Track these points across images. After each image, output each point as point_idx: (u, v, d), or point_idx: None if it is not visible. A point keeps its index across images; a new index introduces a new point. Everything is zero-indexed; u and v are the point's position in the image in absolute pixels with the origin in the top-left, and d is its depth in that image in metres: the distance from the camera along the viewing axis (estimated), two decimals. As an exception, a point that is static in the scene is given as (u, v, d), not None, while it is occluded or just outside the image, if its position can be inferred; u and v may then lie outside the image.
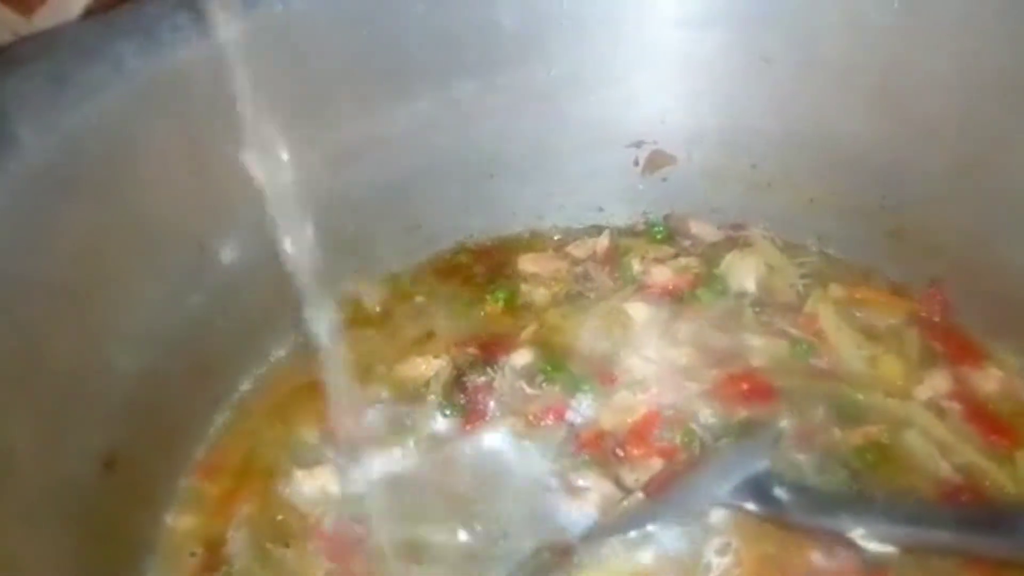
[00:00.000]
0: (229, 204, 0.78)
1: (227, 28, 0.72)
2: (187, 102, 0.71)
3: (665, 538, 0.71)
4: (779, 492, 0.67)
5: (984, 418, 0.79)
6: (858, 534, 0.63)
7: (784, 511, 0.67)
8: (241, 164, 0.77)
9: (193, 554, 0.74)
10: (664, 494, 0.71)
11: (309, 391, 0.84)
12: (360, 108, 0.83)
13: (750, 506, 0.68)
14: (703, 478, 0.71)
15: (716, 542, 0.70)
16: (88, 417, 0.67)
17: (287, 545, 0.73)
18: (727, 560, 0.70)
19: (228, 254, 0.79)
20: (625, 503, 0.72)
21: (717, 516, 0.71)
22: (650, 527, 0.69)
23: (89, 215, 0.66)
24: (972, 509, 0.69)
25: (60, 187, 0.64)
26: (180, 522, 0.76)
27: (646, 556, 0.70)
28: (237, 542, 0.74)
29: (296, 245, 0.86)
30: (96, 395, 0.68)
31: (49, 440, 0.64)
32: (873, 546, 0.63)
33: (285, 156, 0.80)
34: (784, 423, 0.78)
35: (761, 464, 0.69)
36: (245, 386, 0.85)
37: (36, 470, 0.62)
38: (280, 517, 0.75)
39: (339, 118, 0.82)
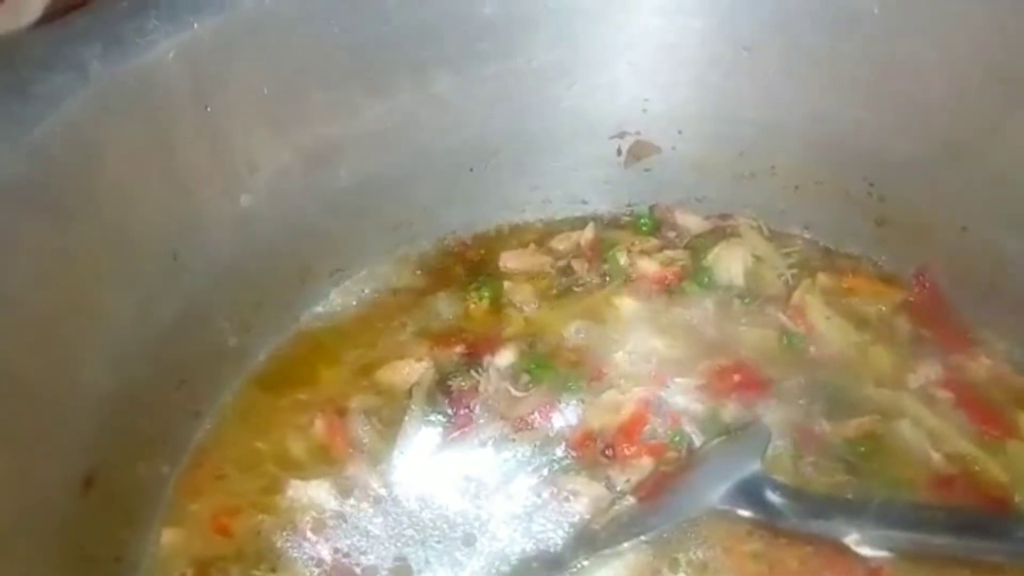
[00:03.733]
0: (202, 209, 0.76)
1: (195, 29, 0.70)
2: (155, 107, 0.69)
3: (654, 542, 0.70)
4: (772, 496, 0.66)
5: (975, 406, 0.79)
6: (852, 539, 0.63)
7: (777, 516, 0.66)
8: (214, 167, 0.76)
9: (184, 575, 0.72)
10: (655, 501, 0.70)
11: (291, 400, 0.83)
12: (335, 105, 0.81)
13: (743, 512, 0.67)
14: (694, 483, 0.70)
15: (706, 542, 0.70)
16: (64, 437, 0.65)
17: (274, 570, 0.72)
18: (718, 558, 0.69)
19: (202, 260, 0.77)
20: (616, 508, 0.71)
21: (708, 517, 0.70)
22: (641, 537, 0.68)
23: (57, 229, 0.63)
24: (968, 513, 0.68)
25: (26, 202, 0.61)
26: (167, 541, 0.74)
27: (635, 557, 0.69)
28: (225, 564, 0.72)
29: (273, 247, 0.84)
30: (71, 414, 0.66)
31: (25, 464, 0.61)
32: (867, 551, 0.63)
33: (260, 157, 0.79)
34: (772, 423, 0.77)
35: (752, 467, 0.68)
36: (226, 397, 0.83)
37: (12, 495, 0.60)
38: (268, 536, 0.73)
39: (314, 116, 0.80)
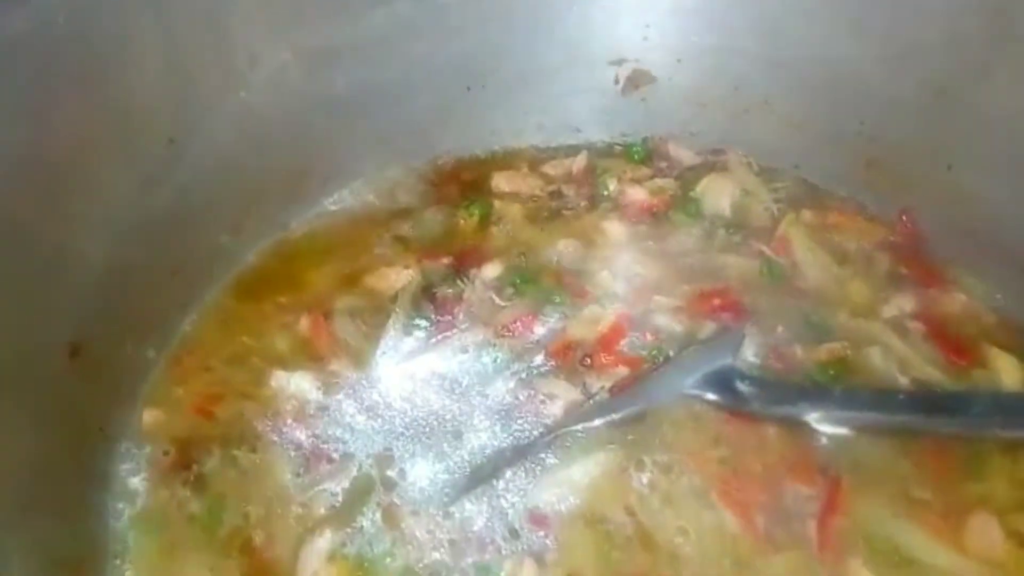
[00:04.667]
0: (201, 98, 0.77)
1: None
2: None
3: (623, 441, 0.72)
4: (740, 385, 0.68)
5: (946, 338, 0.81)
6: (814, 418, 0.65)
7: (745, 402, 0.68)
8: (214, 56, 0.77)
9: (166, 452, 0.74)
10: (630, 388, 0.72)
11: (279, 299, 0.84)
12: (336, 6, 0.82)
13: (711, 396, 0.69)
14: (667, 373, 0.72)
15: (671, 447, 0.72)
16: (57, 301, 0.67)
17: (254, 450, 0.74)
18: (684, 460, 0.71)
19: (199, 151, 0.78)
20: (590, 403, 0.73)
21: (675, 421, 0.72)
22: (613, 416, 0.70)
23: (62, 97, 0.65)
24: (926, 394, 0.70)
25: (33, 68, 0.62)
26: (149, 420, 0.76)
27: (604, 457, 0.71)
28: (207, 444, 0.74)
29: (268, 148, 0.86)
30: (65, 279, 0.68)
31: (18, 319, 0.63)
32: (827, 429, 0.65)
33: (260, 52, 0.80)
34: (747, 345, 0.78)
35: (724, 361, 0.70)
36: (215, 292, 0.84)
37: (5, 349, 0.62)
38: (250, 421, 0.75)
39: (314, 15, 0.81)
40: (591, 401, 0.73)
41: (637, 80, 0.97)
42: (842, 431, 0.66)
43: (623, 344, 0.80)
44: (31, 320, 0.64)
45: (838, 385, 0.74)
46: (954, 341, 0.80)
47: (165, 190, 0.76)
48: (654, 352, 0.80)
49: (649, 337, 0.81)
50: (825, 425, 0.65)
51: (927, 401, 0.67)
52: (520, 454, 0.70)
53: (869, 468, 0.70)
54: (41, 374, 0.65)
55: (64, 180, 0.65)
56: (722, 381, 0.69)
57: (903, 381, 0.77)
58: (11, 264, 0.61)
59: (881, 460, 0.70)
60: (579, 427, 0.70)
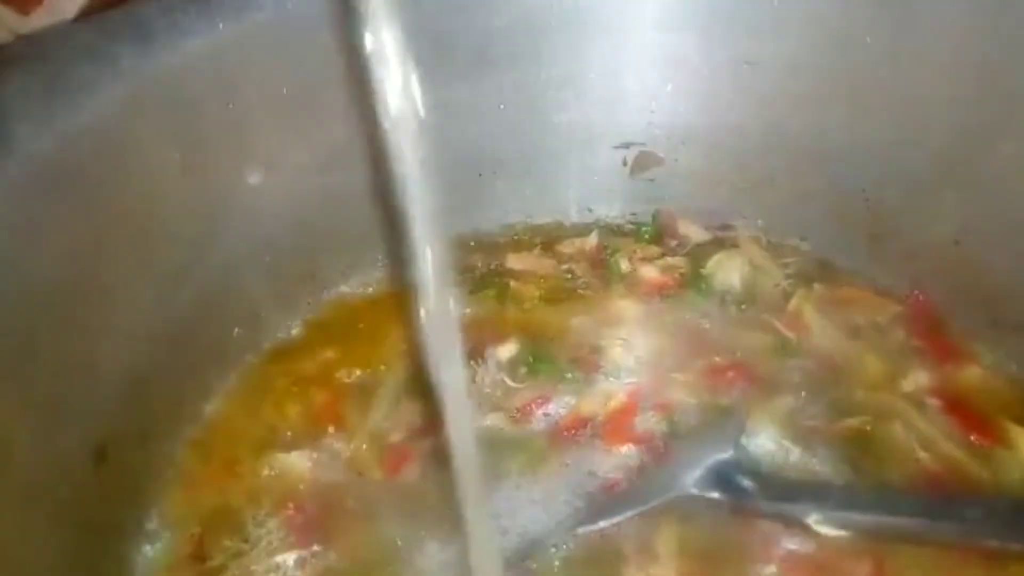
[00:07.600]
0: (220, 203, 0.80)
1: (221, 29, 0.74)
2: (181, 103, 0.73)
3: (622, 533, 0.72)
4: (743, 481, 0.69)
5: (964, 416, 0.80)
6: (814, 519, 0.65)
7: (747, 499, 0.69)
8: (233, 163, 0.80)
9: (192, 535, 0.75)
10: (632, 485, 0.73)
11: (292, 379, 0.86)
12: (351, 108, 0.85)
13: (715, 495, 0.70)
14: (671, 468, 0.73)
15: (667, 536, 0.72)
16: (79, 411, 0.68)
17: (261, 539, 0.75)
18: (677, 551, 0.71)
19: (218, 254, 0.81)
20: (596, 496, 0.74)
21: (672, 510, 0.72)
22: (617, 518, 0.71)
23: (83, 213, 0.67)
24: (924, 497, 0.71)
25: (55, 185, 0.65)
26: (171, 508, 0.77)
27: (604, 552, 0.71)
28: (222, 534, 0.75)
29: (286, 244, 0.88)
30: (87, 389, 0.69)
31: (42, 433, 0.65)
32: (826, 530, 0.66)
33: (277, 155, 0.83)
34: (764, 421, 0.79)
35: (726, 453, 0.71)
36: (232, 379, 0.86)
37: (30, 461, 0.63)
38: (259, 506, 0.77)
39: (330, 118, 0.84)
40: (596, 495, 0.73)
41: (644, 162, 0.99)
42: (842, 533, 0.67)
43: (635, 421, 0.81)
44: (55, 432, 0.65)
45: (846, 473, 0.74)
46: (973, 418, 0.80)
47: (185, 292, 0.78)
48: (667, 428, 0.80)
49: (662, 414, 0.82)
50: (825, 527, 0.66)
51: (931, 503, 0.67)
52: (521, 556, 0.70)
53: (897, 554, 0.69)
54: (66, 481, 0.66)
55: (87, 296, 0.67)
56: (724, 477, 0.70)
57: (923, 456, 0.77)
58: (31, 381, 0.63)
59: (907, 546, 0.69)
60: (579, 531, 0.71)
